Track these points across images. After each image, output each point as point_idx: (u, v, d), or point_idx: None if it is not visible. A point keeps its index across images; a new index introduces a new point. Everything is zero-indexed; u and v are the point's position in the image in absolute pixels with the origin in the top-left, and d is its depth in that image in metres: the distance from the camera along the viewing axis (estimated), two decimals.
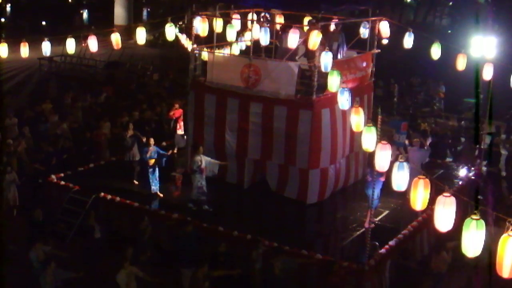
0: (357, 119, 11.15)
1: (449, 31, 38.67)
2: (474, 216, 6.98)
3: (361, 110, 11.24)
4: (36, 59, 27.38)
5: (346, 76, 13.84)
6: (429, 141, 17.69)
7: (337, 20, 15.59)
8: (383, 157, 9.53)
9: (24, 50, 14.30)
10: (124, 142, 15.05)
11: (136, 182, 14.90)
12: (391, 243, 12.37)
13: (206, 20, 15.28)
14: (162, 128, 18.80)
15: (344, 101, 11.78)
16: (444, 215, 7.52)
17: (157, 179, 14.24)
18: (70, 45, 14.63)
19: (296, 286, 11.48)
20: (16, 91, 25.13)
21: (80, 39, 15.15)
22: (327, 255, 11.91)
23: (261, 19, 16.46)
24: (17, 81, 28.00)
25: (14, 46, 14.40)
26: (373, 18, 15.49)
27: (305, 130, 13.95)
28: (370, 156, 10.68)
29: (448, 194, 7.48)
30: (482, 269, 11.02)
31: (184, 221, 12.14)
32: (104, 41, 15.78)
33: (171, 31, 15.33)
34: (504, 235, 6.66)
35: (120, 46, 14.81)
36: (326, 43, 13.81)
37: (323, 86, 13.48)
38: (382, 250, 11.98)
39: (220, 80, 14.96)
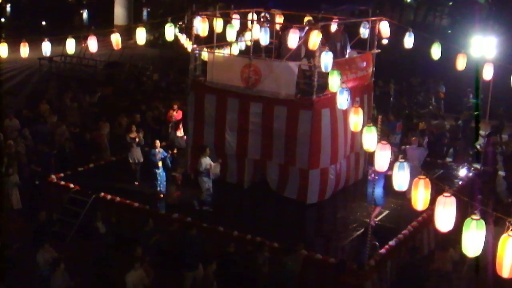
0: (356, 119, 11.16)
1: (449, 31, 38.61)
2: (474, 216, 6.97)
3: (360, 110, 11.25)
4: (36, 59, 27.38)
5: (346, 76, 13.84)
6: (425, 140, 17.70)
7: (337, 20, 15.60)
8: (382, 157, 9.52)
9: (24, 50, 14.29)
10: (128, 143, 14.95)
11: (137, 183, 14.89)
12: (391, 243, 12.37)
13: (206, 20, 15.28)
14: (160, 129, 18.74)
15: (343, 100, 11.78)
16: (444, 215, 7.51)
17: (164, 180, 14.26)
18: (70, 45, 14.61)
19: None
20: (16, 92, 25.15)
21: (80, 39, 15.13)
22: (327, 255, 11.90)
23: (261, 19, 16.47)
24: (17, 81, 28.04)
25: (14, 46, 14.40)
26: (373, 18, 15.49)
27: (305, 130, 13.94)
28: (371, 155, 10.67)
29: (448, 194, 7.48)
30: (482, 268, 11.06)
31: (188, 224, 12.09)
32: (104, 41, 15.77)
33: (171, 31, 15.32)
34: (504, 235, 6.65)
35: (120, 46, 14.79)
36: (327, 43, 13.81)
37: (323, 86, 13.49)
38: (382, 250, 11.99)
39: (220, 80, 14.96)
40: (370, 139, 10.07)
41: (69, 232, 13.45)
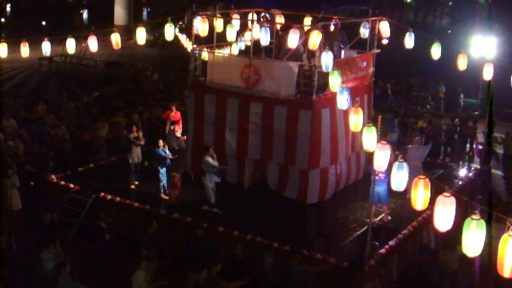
0: (356, 119, 11.16)
1: (449, 31, 38.63)
2: (474, 216, 6.98)
3: (360, 110, 11.25)
4: (36, 59, 27.41)
5: (346, 76, 13.84)
6: (423, 139, 17.72)
7: (337, 20, 15.59)
8: (382, 157, 9.52)
9: (24, 50, 14.29)
10: (132, 142, 14.91)
11: (136, 183, 14.88)
12: (391, 243, 12.37)
13: (206, 20, 15.28)
14: (157, 129, 18.65)
15: (343, 100, 11.78)
16: (444, 215, 7.52)
17: (166, 180, 14.29)
18: (70, 45, 14.61)
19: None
20: (16, 92, 25.15)
21: (80, 39, 15.15)
22: (327, 255, 11.89)
23: (261, 19, 16.47)
24: (16, 81, 28.04)
25: (14, 46, 14.41)
26: (373, 18, 15.49)
27: (305, 130, 13.94)
28: (371, 155, 10.67)
29: (448, 194, 7.48)
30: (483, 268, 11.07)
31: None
32: (104, 41, 15.77)
33: (171, 31, 15.32)
34: (505, 235, 6.66)
35: (120, 46, 14.79)
36: (326, 43, 13.81)
37: (323, 86, 13.49)
38: (382, 250, 11.98)
39: (220, 80, 14.95)
40: (370, 139, 10.07)
41: (69, 232, 13.45)
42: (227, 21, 16.19)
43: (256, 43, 15.41)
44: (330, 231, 13.65)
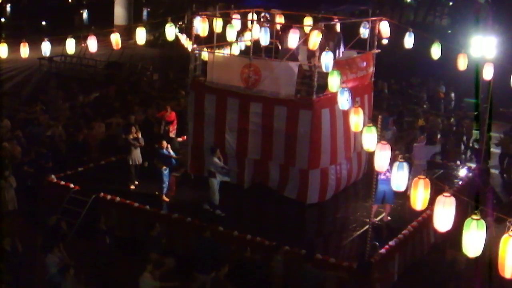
0: (356, 119, 11.15)
1: (449, 31, 38.61)
2: (474, 216, 6.97)
3: (360, 110, 11.23)
4: (36, 59, 27.38)
5: (346, 76, 13.84)
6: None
7: (336, 20, 15.59)
8: (382, 157, 9.51)
9: (24, 50, 14.27)
10: (132, 144, 14.91)
11: (137, 183, 14.88)
12: (391, 243, 12.37)
13: (206, 20, 15.27)
14: (152, 129, 18.60)
15: (344, 101, 11.76)
16: (444, 215, 7.51)
17: (167, 181, 14.29)
18: (70, 45, 14.60)
19: None
20: (16, 92, 25.13)
21: (80, 39, 15.12)
22: (327, 255, 11.89)
23: (261, 19, 16.47)
24: (16, 81, 28.02)
25: (14, 46, 14.38)
26: (373, 18, 15.49)
27: (305, 130, 13.94)
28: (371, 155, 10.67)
29: (448, 194, 7.47)
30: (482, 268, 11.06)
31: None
32: (104, 41, 15.74)
33: (171, 31, 15.31)
34: (505, 236, 6.65)
35: (120, 46, 14.78)
36: (325, 43, 13.80)
37: (323, 86, 13.48)
38: (382, 250, 11.98)
39: (220, 80, 14.96)
40: (370, 139, 10.07)
41: (69, 232, 13.42)
42: (227, 21, 16.18)
43: (256, 43, 15.41)
44: (330, 231, 13.65)
